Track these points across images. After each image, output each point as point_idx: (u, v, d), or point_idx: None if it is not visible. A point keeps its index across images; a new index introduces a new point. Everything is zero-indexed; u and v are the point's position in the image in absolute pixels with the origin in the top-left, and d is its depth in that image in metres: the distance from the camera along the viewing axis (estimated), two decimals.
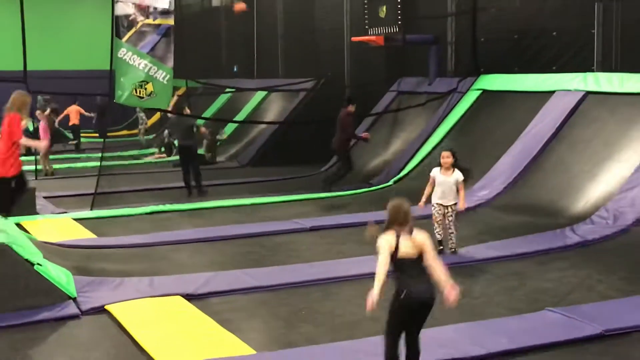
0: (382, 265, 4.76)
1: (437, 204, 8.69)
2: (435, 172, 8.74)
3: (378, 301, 4.66)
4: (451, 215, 8.69)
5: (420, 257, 4.81)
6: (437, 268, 4.80)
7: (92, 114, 23.48)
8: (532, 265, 8.41)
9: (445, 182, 8.62)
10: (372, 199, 12.94)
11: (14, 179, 8.90)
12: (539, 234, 9.57)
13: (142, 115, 24.25)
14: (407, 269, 4.80)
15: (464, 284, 7.90)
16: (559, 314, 6.47)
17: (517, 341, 5.87)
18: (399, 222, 4.86)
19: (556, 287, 7.56)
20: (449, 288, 4.74)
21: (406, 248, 4.79)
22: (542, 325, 6.25)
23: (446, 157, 8.64)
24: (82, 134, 23.12)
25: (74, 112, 22.20)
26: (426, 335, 6.00)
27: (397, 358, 4.94)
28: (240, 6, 14.30)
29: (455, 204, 8.72)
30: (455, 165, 8.65)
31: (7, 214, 9.03)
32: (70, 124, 22.29)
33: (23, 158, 18.30)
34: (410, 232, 4.86)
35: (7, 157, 8.65)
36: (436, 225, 8.73)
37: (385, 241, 4.84)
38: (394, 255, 4.81)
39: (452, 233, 8.74)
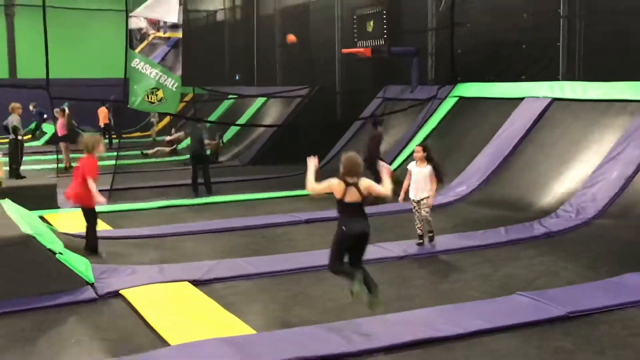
0: (313, 183, 5.60)
1: (414, 201, 8.62)
2: (411, 165, 8.71)
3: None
4: (427, 206, 8.58)
5: (361, 201, 5.37)
6: (380, 188, 5.55)
7: (111, 119, 23.24)
8: (504, 254, 8.41)
9: (418, 173, 8.54)
10: None
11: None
12: (510, 226, 9.57)
13: (154, 119, 24.22)
14: (349, 210, 5.42)
15: (443, 271, 7.93)
16: (528, 297, 6.48)
17: (490, 322, 5.88)
18: (352, 172, 5.37)
19: (525, 274, 7.57)
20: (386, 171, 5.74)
21: (352, 195, 5.38)
22: (513, 307, 6.26)
23: (417, 152, 8.62)
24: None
25: (103, 114, 22.08)
26: (408, 317, 6.04)
27: (341, 267, 5.68)
28: (291, 38, 14.49)
29: (429, 197, 8.61)
30: (427, 158, 8.54)
31: (94, 248, 8.57)
32: (100, 124, 22.16)
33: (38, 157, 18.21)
34: (356, 182, 5.41)
35: (86, 191, 8.41)
36: (418, 221, 8.67)
37: (330, 183, 5.55)
38: (341, 200, 5.40)
39: (430, 220, 8.66)
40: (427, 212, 8.62)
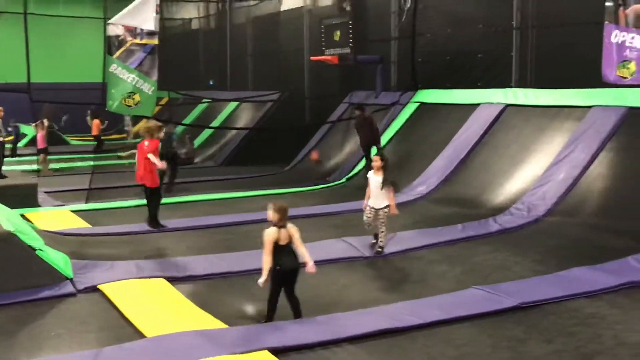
0: (267, 257, 5.77)
1: (373, 208, 8.20)
2: (370, 173, 8.38)
3: (265, 282, 5.75)
4: (382, 218, 8.13)
5: (290, 241, 5.83)
6: (302, 249, 5.87)
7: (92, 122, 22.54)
8: (461, 249, 8.48)
9: (375, 181, 8.24)
10: (329, 193, 12.98)
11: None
12: (467, 223, 9.64)
13: (128, 122, 23.94)
14: (282, 250, 5.79)
15: (405, 265, 7.97)
16: (482, 290, 6.55)
17: (449, 313, 5.95)
18: (283, 219, 5.82)
19: (480, 268, 7.64)
20: (309, 264, 5.85)
21: (284, 237, 5.81)
22: (469, 299, 6.33)
23: (375, 161, 8.31)
24: (78, 137, 22.69)
25: (95, 125, 21.75)
26: (372, 309, 6.07)
27: (275, 304, 5.95)
28: (314, 156, 14.89)
29: (387, 206, 8.17)
30: (384, 167, 8.20)
31: (155, 221, 9.60)
32: (93, 134, 21.81)
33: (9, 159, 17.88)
34: (286, 225, 5.83)
35: (154, 171, 9.26)
36: (367, 226, 8.32)
37: (270, 236, 5.78)
38: (276, 243, 5.78)
39: (382, 232, 8.19)
40: (382, 222, 8.18)
